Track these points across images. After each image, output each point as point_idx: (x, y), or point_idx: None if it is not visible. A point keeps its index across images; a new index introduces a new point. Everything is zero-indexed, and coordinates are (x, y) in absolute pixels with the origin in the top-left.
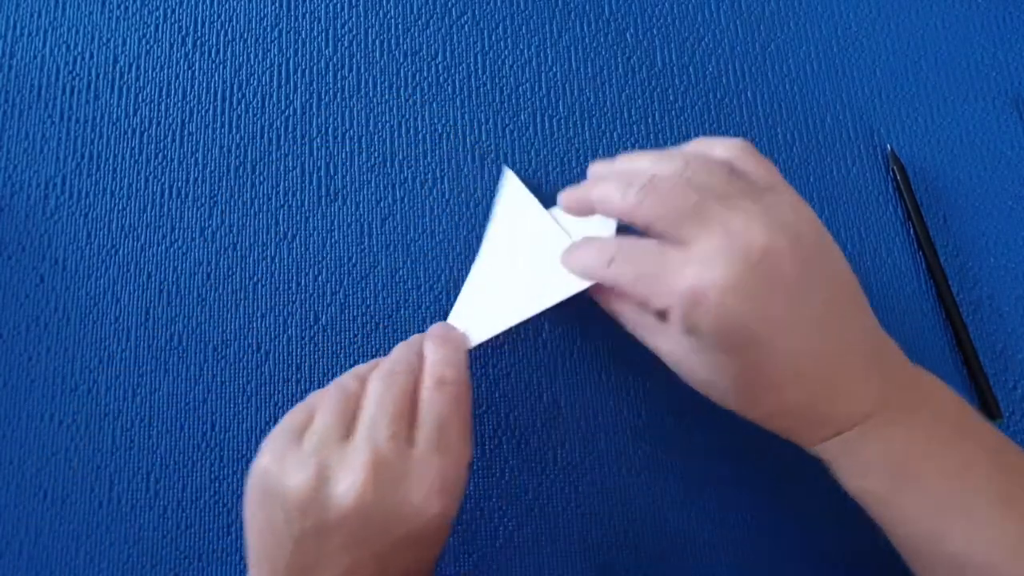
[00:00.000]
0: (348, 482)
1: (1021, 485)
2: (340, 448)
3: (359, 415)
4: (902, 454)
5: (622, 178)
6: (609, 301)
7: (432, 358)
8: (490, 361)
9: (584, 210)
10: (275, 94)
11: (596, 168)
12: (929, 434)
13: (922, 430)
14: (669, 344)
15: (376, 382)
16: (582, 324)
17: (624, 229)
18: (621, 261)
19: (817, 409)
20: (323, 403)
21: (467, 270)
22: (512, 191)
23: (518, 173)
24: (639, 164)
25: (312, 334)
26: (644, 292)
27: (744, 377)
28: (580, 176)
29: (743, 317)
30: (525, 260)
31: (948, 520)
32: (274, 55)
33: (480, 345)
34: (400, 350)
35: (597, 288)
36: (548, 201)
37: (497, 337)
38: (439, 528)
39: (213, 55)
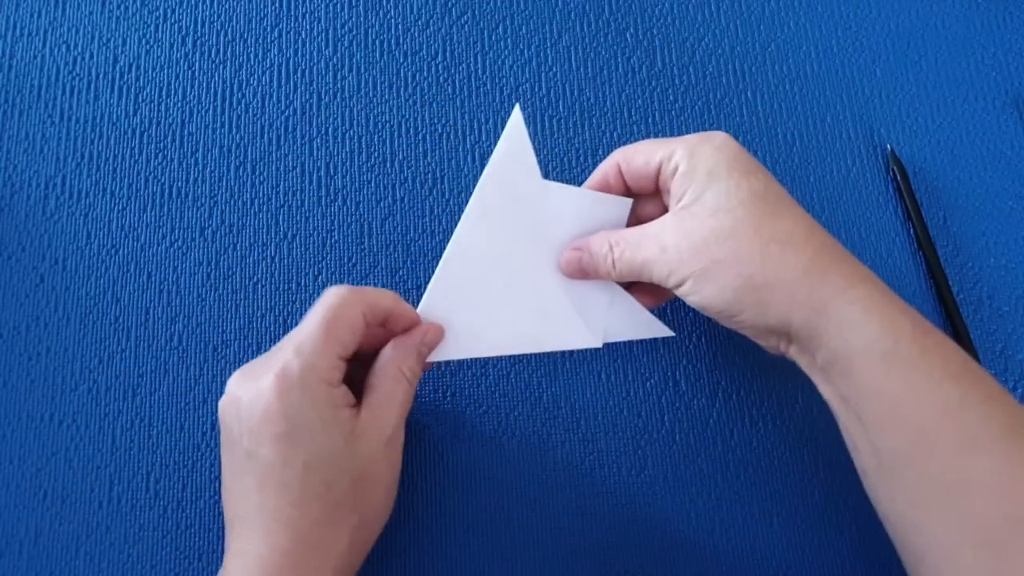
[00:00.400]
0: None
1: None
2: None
3: None
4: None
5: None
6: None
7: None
8: (490, 361)
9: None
10: (275, 94)
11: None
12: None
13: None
14: (681, 225)
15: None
16: None
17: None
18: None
19: (816, 236)
20: None
21: None
22: (514, 145)
23: None
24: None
25: None
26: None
27: (755, 198)
28: (580, 177)
29: (744, 153)
30: (517, 249)
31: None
32: (274, 55)
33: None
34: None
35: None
36: None
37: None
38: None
39: (213, 55)
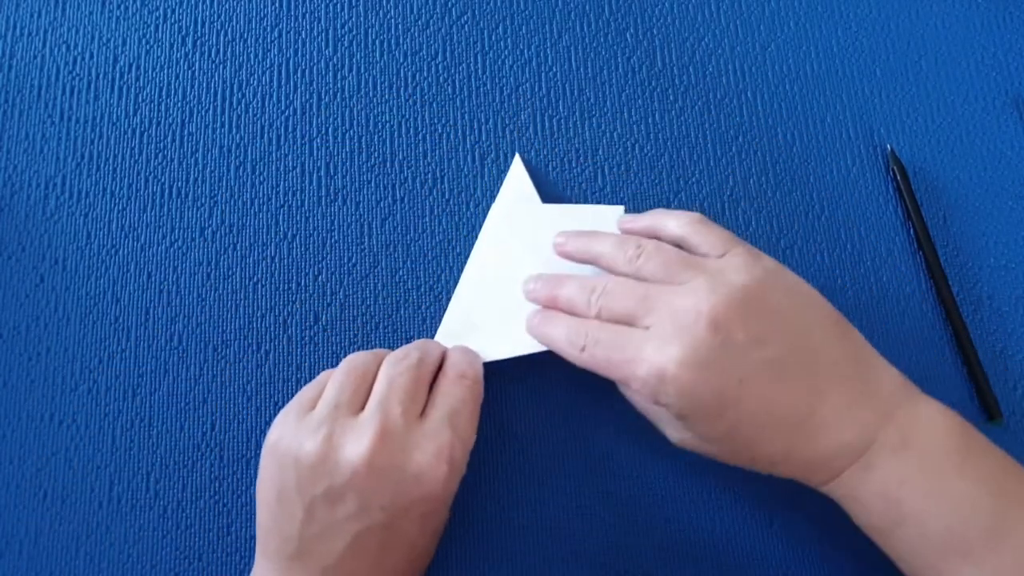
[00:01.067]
0: (358, 446)
1: (1019, 517)
2: (351, 418)
3: (372, 391)
4: (896, 492)
5: (584, 286)
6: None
7: (455, 356)
8: (490, 366)
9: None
10: (275, 94)
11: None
12: (924, 468)
13: (916, 464)
14: (655, 410)
15: (389, 366)
16: None
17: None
18: (592, 348)
19: (799, 454)
20: (334, 377)
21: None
22: (516, 184)
23: None
24: (598, 249)
25: (312, 334)
26: (616, 375)
27: (724, 439)
28: (580, 176)
29: (704, 386)
30: (523, 265)
31: (947, 558)
32: (274, 55)
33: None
34: (415, 343)
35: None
36: (550, 200)
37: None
38: (442, 499)
39: (213, 55)
